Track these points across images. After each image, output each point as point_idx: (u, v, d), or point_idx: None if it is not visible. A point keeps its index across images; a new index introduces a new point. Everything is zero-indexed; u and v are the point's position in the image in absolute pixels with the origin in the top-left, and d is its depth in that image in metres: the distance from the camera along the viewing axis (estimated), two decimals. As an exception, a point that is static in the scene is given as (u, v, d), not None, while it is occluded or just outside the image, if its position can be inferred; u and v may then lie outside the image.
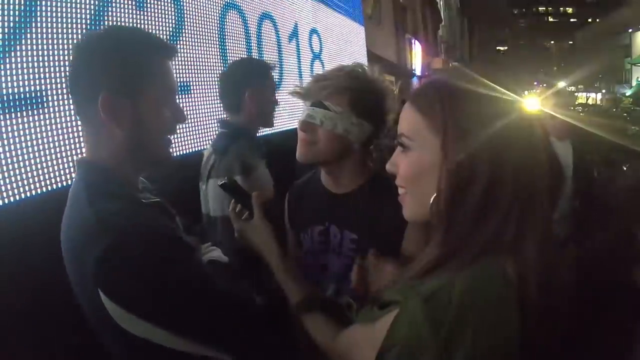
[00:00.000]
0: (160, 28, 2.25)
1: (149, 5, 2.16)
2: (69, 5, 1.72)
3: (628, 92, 33.24)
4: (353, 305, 1.41)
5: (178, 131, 1.24)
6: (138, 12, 2.10)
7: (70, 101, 1.25)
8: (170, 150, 1.23)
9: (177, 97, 1.22)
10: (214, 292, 1.07)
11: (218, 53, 2.74)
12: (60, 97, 1.68)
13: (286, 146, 2.35)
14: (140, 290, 0.96)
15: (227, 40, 2.82)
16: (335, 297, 1.47)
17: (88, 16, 1.79)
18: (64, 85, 1.67)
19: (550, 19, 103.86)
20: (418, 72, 18.87)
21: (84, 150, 1.19)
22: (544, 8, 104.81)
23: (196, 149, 2.49)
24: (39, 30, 1.62)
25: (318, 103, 1.40)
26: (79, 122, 1.21)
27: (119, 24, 1.97)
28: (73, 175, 1.65)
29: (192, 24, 2.49)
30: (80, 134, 1.72)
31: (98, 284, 0.95)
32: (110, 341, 1.07)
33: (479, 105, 0.85)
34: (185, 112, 1.24)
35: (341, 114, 1.39)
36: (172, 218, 1.24)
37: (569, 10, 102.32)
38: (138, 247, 0.96)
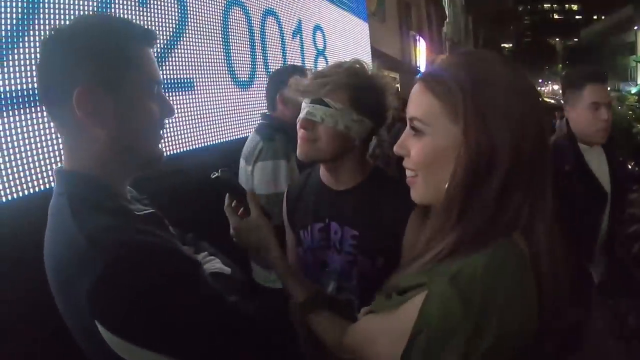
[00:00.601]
0: (164, 24, 2.27)
1: (151, 1, 2.17)
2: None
3: (633, 90, 33.14)
4: (354, 303, 1.43)
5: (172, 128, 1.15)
6: (140, 9, 2.11)
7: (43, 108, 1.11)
8: (161, 148, 1.09)
9: (162, 88, 1.08)
10: (223, 313, 0.95)
11: (221, 49, 2.75)
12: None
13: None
14: (143, 319, 0.83)
15: (230, 36, 2.82)
16: (336, 294, 1.48)
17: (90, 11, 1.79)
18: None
19: (556, 16, 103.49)
20: (422, 69, 18.85)
21: (63, 158, 1.03)
22: (549, 5, 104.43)
23: (193, 147, 2.50)
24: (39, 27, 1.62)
25: (318, 100, 1.39)
26: (55, 131, 1.08)
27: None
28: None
29: (195, 20, 2.50)
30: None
31: (94, 315, 0.82)
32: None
33: (499, 92, 0.85)
34: (180, 108, 1.15)
35: (342, 110, 1.39)
36: (168, 230, 1.10)
37: (574, 7, 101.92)
38: (137, 270, 0.83)
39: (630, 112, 9.92)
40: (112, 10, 1.92)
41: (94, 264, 0.81)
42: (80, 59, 0.93)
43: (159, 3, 2.21)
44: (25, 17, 1.56)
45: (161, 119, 1.06)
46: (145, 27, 1.07)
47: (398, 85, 14.68)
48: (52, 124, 1.09)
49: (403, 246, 1.40)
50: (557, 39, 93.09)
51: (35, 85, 1.16)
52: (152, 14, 2.16)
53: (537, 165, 0.86)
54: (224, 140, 2.72)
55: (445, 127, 0.88)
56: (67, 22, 1.04)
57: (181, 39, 2.40)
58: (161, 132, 1.08)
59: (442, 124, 0.89)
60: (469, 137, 0.85)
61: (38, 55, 1.00)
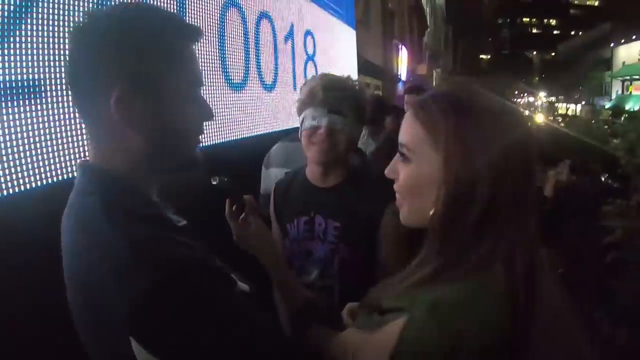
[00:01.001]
0: None
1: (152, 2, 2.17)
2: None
3: (608, 105, 33.90)
4: (334, 290, 1.64)
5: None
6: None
7: (70, 95, 1.02)
8: (198, 153, 1.02)
9: (201, 89, 1.02)
10: (260, 333, 0.89)
11: (217, 50, 2.77)
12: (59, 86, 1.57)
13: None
14: (188, 339, 0.77)
15: (226, 38, 2.85)
16: (319, 279, 1.67)
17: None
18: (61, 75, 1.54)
19: (534, 30, 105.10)
20: (403, 77, 18.99)
21: (89, 152, 0.97)
22: (528, 19, 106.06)
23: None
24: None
25: (338, 111, 1.58)
26: (81, 120, 0.99)
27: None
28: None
29: (192, 20, 2.51)
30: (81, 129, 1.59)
31: (132, 330, 0.75)
32: None
33: (483, 125, 0.88)
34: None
35: (355, 121, 1.62)
36: (200, 243, 0.98)
37: (553, 22, 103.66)
38: (186, 287, 0.78)
39: (606, 126, 10.16)
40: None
41: (139, 277, 0.76)
42: (121, 55, 0.86)
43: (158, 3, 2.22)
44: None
45: (200, 122, 1.01)
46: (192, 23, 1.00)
47: (380, 92, 14.82)
48: (78, 115, 1.03)
49: (381, 237, 1.51)
50: (535, 53, 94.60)
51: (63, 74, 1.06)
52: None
53: (519, 199, 0.88)
54: (217, 142, 2.74)
55: (429, 156, 0.91)
56: (103, 9, 0.98)
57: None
58: (199, 135, 1.02)
59: (426, 153, 0.92)
60: (449, 169, 0.88)
61: (68, 44, 0.93)
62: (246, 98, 3.10)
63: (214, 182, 1.30)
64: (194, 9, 2.49)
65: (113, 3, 1.87)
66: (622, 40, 38.10)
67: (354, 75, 6.06)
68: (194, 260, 0.83)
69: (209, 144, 2.63)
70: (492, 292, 0.86)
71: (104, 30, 0.86)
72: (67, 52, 0.93)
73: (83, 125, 1.04)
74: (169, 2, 2.26)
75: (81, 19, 0.91)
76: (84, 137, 1.62)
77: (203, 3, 2.58)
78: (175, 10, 2.31)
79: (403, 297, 0.91)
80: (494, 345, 0.84)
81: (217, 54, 2.75)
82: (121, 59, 0.86)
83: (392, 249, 1.25)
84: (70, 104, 1.56)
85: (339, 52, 5.26)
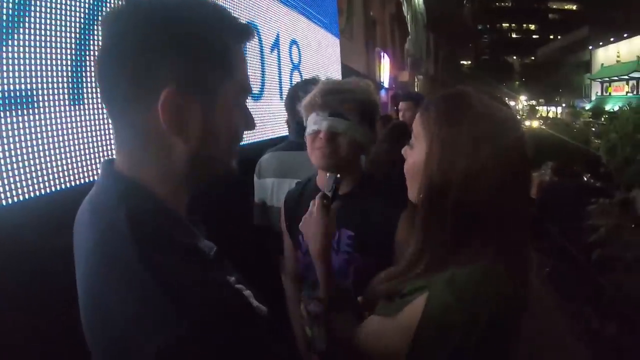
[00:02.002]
0: None
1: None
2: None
3: (588, 106, 34.33)
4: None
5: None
6: None
7: (99, 97, 0.88)
8: (235, 164, 0.92)
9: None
10: None
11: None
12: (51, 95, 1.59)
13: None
14: None
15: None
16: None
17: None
18: (60, 81, 1.57)
19: (514, 35, 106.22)
20: (386, 84, 19.10)
21: (120, 158, 0.84)
22: (508, 25, 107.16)
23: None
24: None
25: (338, 114, 1.53)
26: (111, 120, 0.84)
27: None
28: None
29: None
30: (108, 137, 1.67)
31: None
32: None
33: (466, 133, 1.00)
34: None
35: (358, 123, 1.55)
36: (228, 266, 0.87)
37: (532, 27, 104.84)
38: (222, 337, 0.67)
39: (593, 128, 10.35)
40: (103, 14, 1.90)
41: (167, 327, 0.65)
42: (173, 52, 0.75)
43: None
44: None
45: (243, 132, 0.91)
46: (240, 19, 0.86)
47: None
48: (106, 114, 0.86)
49: (396, 243, 1.54)
50: (515, 57, 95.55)
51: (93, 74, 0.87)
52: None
53: (501, 203, 0.99)
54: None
55: (421, 148, 1.07)
56: None
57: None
58: (237, 146, 0.91)
59: (420, 145, 1.08)
60: (428, 160, 1.04)
61: (103, 35, 0.80)
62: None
63: (335, 176, 1.41)
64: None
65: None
66: (600, 43, 38.68)
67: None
68: (233, 307, 0.72)
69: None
70: (497, 275, 0.97)
71: (152, 20, 0.75)
72: (99, 44, 0.84)
73: (111, 131, 0.87)
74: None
75: (120, 6, 0.80)
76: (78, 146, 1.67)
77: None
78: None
79: (417, 280, 1.04)
80: (503, 319, 0.96)
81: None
82: (172, 57, 0.75)
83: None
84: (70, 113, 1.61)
85: (324, 60, 5.31)
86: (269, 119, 3.62)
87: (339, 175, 1.41)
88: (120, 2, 0.79)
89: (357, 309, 1.29)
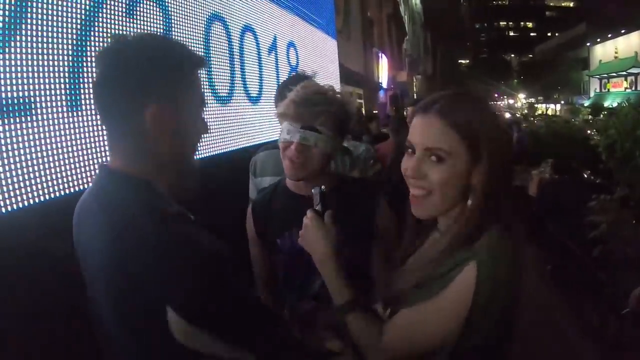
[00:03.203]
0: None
1: (138, 13, 2.21)
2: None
3: (586, 103, 34.34)
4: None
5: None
6: (127, 19, 2.13)
7: (97, 111, 1.16)
8: (196, 161, 1.24)
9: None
10: (257, 305, 1.16)
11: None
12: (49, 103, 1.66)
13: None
14: (208, 307, 1.00)
15: (211, 51, 2.89)
16: (323, 288, 1.54)
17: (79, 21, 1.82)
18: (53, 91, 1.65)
19: (511, 34, 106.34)
20: (384, 84, 19.13)
21: (112, 159, 1.14)
22: (505, 23, 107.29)
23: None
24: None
25: (311, 127, 1.57)
26: (106, 128, 1.13)
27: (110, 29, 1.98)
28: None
29: (177, 34, 2.55)
30: (106, 143, 1.73)
31: (170, 302, 0.96)
32: (142, 348, 1.05)
33: (490, 116, 1.14)
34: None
35: (329, 136, 1.59)
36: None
37: (529, 25, 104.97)
38: (209, 270, 1.00)
39: (590, 124, 10.34)
40: (99, 19, 1.94)
41: (176, 262, 0.98)
42: (154, 78, 1.05)
43: (145, 15, 2.27)
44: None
45: (201, 135, 1.21)
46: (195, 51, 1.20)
47: (362, 101, 14.93)
48: (101, 123, 1.15)
49: (381, 230, 1.66)
50: (513, 55, 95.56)
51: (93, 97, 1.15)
52: (138, 27, 2.20)
53: (504, 189, 1.15)
54: (206, 155, 2.76)
55: (462, 155, 1.12)
56: (127, 37, 1.12)
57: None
58: (197, 147, 1.23)
59: (459, 152, 1.12)
60: (477, 161, 1.11)
61: (98, 66, 1.07)
62: (232, 111, 3.14)
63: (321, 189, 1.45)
64: (179, 24, 2.52)
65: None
66: (598, 39, 38.66)
67: (337, 85, 6.13)
68: (215, 251, 1.04)
69: (200, 157, 2.65)
70: (508, 243, 1.10)
71: (135, 57, 1.04)
72: (96, 73, 1.08)
73: (107, 136, 1.14)
74: (155, 15, 2.30)
75: (109, 45, 1.10)
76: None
77: (188, 17, 2.62)
78: (162, 24, 2.36)
79: (451, 259, 1.11)
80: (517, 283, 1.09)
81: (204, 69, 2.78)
82: (154, 81, 1.05)
83: (391, 240, 1.57)
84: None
85: (322, 62, 5.32)
86: (267, 122, 3.63)
87: (323, 187, 1.44)
88: (111, 41, 1.13)
89: (371, 312, 1.29)
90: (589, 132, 8.16)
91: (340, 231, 1.56)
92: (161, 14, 2.39)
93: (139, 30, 2.20)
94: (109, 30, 1.99)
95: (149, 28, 2.27)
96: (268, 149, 2.52)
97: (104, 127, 1.14)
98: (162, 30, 2.39)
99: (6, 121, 1.47)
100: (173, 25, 2.48)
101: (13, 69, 1.51)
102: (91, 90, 1.39)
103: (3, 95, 1.47)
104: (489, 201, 1.11)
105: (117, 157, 1.11)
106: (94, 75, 1.10)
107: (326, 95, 1.62)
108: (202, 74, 1.19)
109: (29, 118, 1.55)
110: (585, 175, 6.27)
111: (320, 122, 1.57)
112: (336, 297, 1.29)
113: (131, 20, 2.15)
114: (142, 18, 2.23)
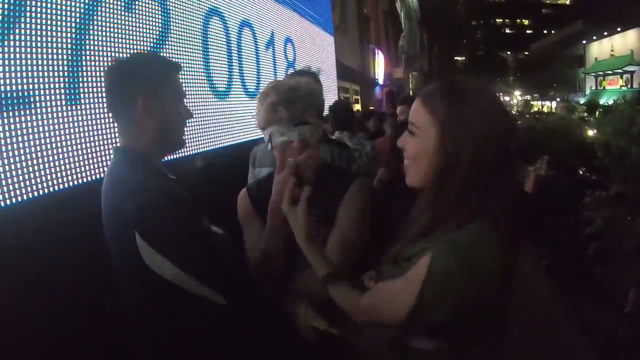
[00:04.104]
0: (147, 30, 2.33)
1: (136, 9, 2.24)
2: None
3: (582, 101, 34.40)
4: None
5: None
6: (125, 14, 2.16)
7: (107, 108, 1.57)
8: (185, 139, 1.63)
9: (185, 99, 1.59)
10: (215, 245, 1.43)
11: (201, 58, 2.81)
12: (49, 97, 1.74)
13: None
14: (167, 234, 1.31)
15: (209, 46, 2.89)
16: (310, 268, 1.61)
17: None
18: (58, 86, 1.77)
19: (507, 31, 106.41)
20: (381, 81, 19.14)
21: (119, 139, 1.53)
22: (501, 20, 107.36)
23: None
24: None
25: (304, 122, 1.63)
26: (115, 121, 1.54)
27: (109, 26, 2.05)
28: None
29: (176, 29, 2.56)
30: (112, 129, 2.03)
31: (136, 227, 1.30)
32: (130, 275, 1.40)
33: (470, 116, 1.14)
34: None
35: (317, 123, 1.68)
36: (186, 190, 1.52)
37: (525, 22, 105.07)
38: (167, 203, 1.34)
39: (586, 121, 10.36)
40: (98, 14, 1.98)
41: (141, 197, 1.32)
42: (142, 81, 1.45)
43: (143, 10, 2.29)
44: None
45: (185, 119, 1.60)
46: (173, 60, 1.61)
47: (358, 97, 14.94)
48: (112, 119, 1.60)
49: (337, 215, 1.71)
50: (509, 53, 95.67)
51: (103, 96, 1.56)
52: (137, 22, 2.23)
53: (498, 172, 1.13)
54: (204, 150, 2.78)
55: (429, 131, 1.18)
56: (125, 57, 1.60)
57: (163, 47, 2.48)
58: (184, 128, 1.61)
59: (427, 129, 1.19)
60: (441, 144, 1.16)
61: (106, 77, 1.48)
62: (230, 105, 3.14)
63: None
64: (178, 20, 2.53)
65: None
66: (594, 37, 38.70)
67: (333, 81, 6.13)
68: (174, 191, 1.39)
69: (201, 151, 2.67)
70: (492, 239, 1.10)
71: (131, 66, 1.49)
72: (105, 81, 1.49)
73: (117, 126, 1.54)
74: (154, 13, 2.30)
75: (111, 64, 1.54)
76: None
77: (187, 14, 2.62)
78: (160, 18, 2.37)
79: (422, 243, 1.18)
80: (497, 277, 1.11)
81: (202, 63, 2.79)
82: (142, 82, 1.45)
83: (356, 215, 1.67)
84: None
85: (318, 58, 5.32)
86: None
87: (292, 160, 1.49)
88: (114, 59, 1.66)
89: (352, 281, 1.37)
90: (585, 129, 8.17)
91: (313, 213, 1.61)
92: (160, 9, 2.40)
93: (137, 24, 2.23)
94: (108, 25, 2.03)
95: (147, 22, 2.28)
96: None
97: (114, 121, 1.56)
98: (160, 25, 2.39)
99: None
100: (171, 19, 2.48)
101: (16, 62, 1.53)
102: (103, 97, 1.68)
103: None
104: (448, 188, 1.15)
105: (122, 138, 1.51)
106: (104, 85, 1.50)
107: (300, 87, 1.67)
108: (179, 76, 1.57)
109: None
110: (581, 172, 6.29)
111: (308, 113, 1.64)
112: (317, 270, 1.38)
113: (130, 15, 2.17)
114: (140, 13, 2.24)
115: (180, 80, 1.58)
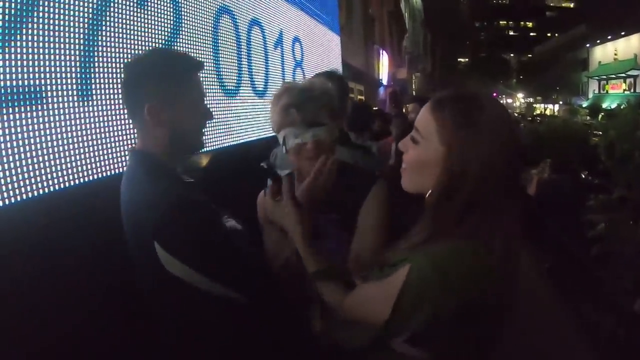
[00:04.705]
0: (159, 27, 2.32)
1: (149, 5, 2.23)
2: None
3: (584, 104, 34.38)
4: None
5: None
6: (138, 10, 2.15)
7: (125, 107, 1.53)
8: (204, 140, 1.60)
9: (205, 100, 1.55)
10: (233, 247, 1.41)
11: (211, 55, 2.83)
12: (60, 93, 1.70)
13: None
14: (185, 242, 1.33)
15: (219, 44, 2.92)
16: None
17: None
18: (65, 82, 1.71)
19: (511, 33, 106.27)
20: (385, 81, 19.13)
21: (137, 142, 1.53)
22: (505, 22, 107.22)
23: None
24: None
25: (317, 123, 1.61)
26: (132, 123, 1.56)
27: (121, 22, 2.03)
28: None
29: (187, 26, 2.57)
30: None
31: (155, 237, 1.31)
32: (151, 280, 1.42)
33: (477, 133, 1.12)
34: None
35: (332, 124, 1.65)
36: (200, 193, 1.51)
37: (529, 25, 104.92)
38: (185, 213, 1.33)
39: (589, 125, 10.38)
40: (110, 11, 1.96)
41: (160, 208, 1.31)
42: (150, 83, 1.41)
43: (156, 7, 2.29)
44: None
45: (204, 121, 1.57)
46: (197, 58, 1.54)
47: (363, 97, 14.93)
48: (130, 119, 1.56)
49: (359, 218, 1.67)
50: (512, 55, 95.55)
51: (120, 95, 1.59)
52: (148, 19, 2.23)
53: (502, 193, 1.13)
54: (214, 147, 2.80)
55: (435, 145, 1.17)
56: (146, 52, 1.57)
57: (175, 42, 2.47)
58: (203, 129, 1.59)
59: (432, 140, 1.17)
60: (448, 160, 1.14)
61: (123, 76, 1.49)
62: (239, 104, 3.17)
63: (264, 165, 1.55)
64: (188, 18, 2.54)
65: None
66: (598, 41, 38.68)
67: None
68: (191, 200, 1.37)
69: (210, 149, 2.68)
70: (476, 257, 1.10)
71: (139, 66, 1.45)
72: (121, 80, 1.49)
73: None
74: (165, 11, 2.32)
75: (129, 61, 1.54)
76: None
77: (198, 12, 2.64)
78: (171, 16, 2.38)
79: (406, 252, 1.18)
80: (476, 294, 1.09)
81: (212, 61, 2.81)
82: (150, 85, 1.41)
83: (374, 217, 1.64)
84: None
85: (325, 57, 5.34)
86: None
87: (265, 165, 1.55)
88: (129, 59, 1.67)
89: (342, 278, 1.39)
90: (588, 132, 8.18)
91: (338, 219, 1.67)
92: (171, 6, 2.41)
93: (148, 22, 2.22)
94: (120, 22, 2.02)
95: (159, 19, 2.29)
96: None
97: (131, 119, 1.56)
98: (171, 22, 2.40)
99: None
100: (183, 16, 2.50)
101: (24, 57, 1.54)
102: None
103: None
104: (449, 207, 1.14)
105: (138, 140, 1.52)
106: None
107: (313, 89, 1.65)
108: (198, 75, 1.52)
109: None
110: (583, 176, 6.31)
111: (322, 115, 1.62)
112: (307, 265, 1.41)
113: (142, 11, 2.18)
114: (152, 10, 2.25)
115: (200, 79, 1.54)
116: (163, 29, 2.34)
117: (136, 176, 1.44)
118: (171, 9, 2.41)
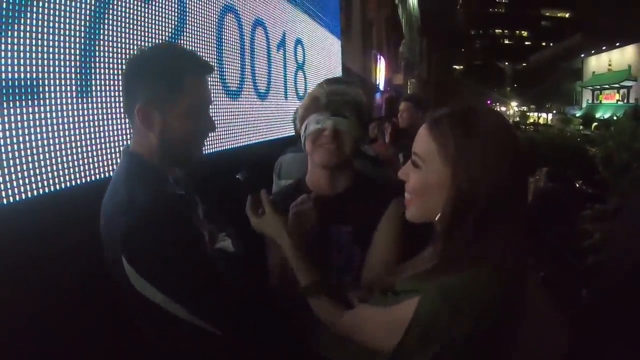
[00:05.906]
0: (162, 26, 2.30)
1: (153, 3, 2.21)
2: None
3: (578, 113, 34.56)
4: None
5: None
6: (144, 5, 2.13)
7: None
8: (202, 152, 1.46)
9: (209, 108, 1.42)
10: (209, 272, 1.26)
11: (215, 56, 2.82)
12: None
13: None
14: (150, 261, 1.20)
15: (223, 44, 2.91)
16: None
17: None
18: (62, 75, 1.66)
19: (506, 42, 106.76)
20: (382, 87, 19.14)
21: (130, 141, 1.43)
22: (500, 31, 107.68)
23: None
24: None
25: (341, 114, 1.60)
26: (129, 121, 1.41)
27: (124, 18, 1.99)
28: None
29: (192, 26, 2.56)
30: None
31: (122, 251, 1.19)
32: (124, 295, 1.28)
33: (486, 147, 1.07)
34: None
35: (355, 122, 1.63)
36: (194, 208, 1.43)
37: (524, 33, 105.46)
38: (155, 227, 1.18)
39: (582, 134, 10.44)
40: (113, 8, 1.93)
41: (127, 217, 1.19)
42: (140, 82, 1.29)
43: (160, 5, 2.27)
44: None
45: (205, 132, 1.43)
46: (205, 60, 1.41)
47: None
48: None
49: (375, 234, 1.63)
50: (507, 63, 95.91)
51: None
52: (152, 16, 2.20)
53: (511, 210, 1.09)
54: (216, 149, 2.78)
55: (438, 167, 1.11)
56: (141, 50, 1.40)
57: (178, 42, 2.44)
58: (201, 142, 1.45)
59: (435, 163, 1.12)
60: (455, 181, 1.08)
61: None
62: (242, 106, 3.15)
63: (239, 177, 1.50)
64: (193, 18, 2.53)
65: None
66: (592, 51, 38.96)
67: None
68: (166, 213, 1.22)
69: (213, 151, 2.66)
70: (489, 284, 1.05)
71: (136, 63, 1.32)
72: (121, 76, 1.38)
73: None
74: (169, 10, 2.30)
75: (132, 54, 1.41)
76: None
77: (202, 13, 2.62)
78: (175, 16, 2.37)
79: (414, 281, 1.13)
80: (488, 328, 1.05)
81: (215, 61, 2.79)
82: (142, 85, 1.28)
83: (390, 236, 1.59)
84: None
85: (326, 61, 5.34)
86: (275, 119, 3.62)
87: (242, 177, 1.53)
88: (132, 53, 1.45)
89: (335, 293, 1.36)
90: (584, 142, 8.22)
91: (351, 232, 1.65)
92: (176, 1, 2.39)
93: (152, 19, 2.19)
94: (123, 19, 1.99)
95: (163, 16, 2.27)
96: (294, 152, 2.51)
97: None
98: (175, 19, 2.38)
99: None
100: (187, 13, 2.48)
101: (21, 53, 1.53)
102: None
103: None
104: (462, 230, 1.08)
105: (132, 140, 1.40)
106: None
107: (349, 86, 1.68)
108: (204, 79, 1.38)
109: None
110: (578, 185, 6.33)
111: (348, 109, 1.61)
112: (299, 278, 1.39)
113: (146, 7, 2.16)
114: (157, 6, 2.23)
115: (206, 85, 1.39)
116: (166, 24, 2.32)
117: (119, 175, 1.32)
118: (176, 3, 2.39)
